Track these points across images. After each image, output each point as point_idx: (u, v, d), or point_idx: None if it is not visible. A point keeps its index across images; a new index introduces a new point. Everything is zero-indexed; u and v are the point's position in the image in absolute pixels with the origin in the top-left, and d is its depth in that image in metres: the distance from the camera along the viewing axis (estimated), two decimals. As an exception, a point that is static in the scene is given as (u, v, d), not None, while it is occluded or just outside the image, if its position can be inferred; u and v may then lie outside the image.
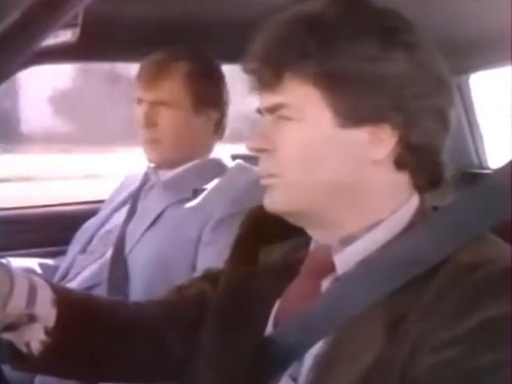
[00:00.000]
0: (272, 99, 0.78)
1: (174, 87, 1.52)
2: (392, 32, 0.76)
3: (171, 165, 1.57)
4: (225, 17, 1.53)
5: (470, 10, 1.39)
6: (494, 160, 2.08)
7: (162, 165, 1.58)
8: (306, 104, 0.76)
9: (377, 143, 0.75)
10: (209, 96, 1.56)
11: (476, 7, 1.36)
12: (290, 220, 0.81)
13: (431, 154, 0.79)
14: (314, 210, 0.78)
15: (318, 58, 0.74)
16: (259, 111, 0.82)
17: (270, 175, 0.79)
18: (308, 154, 0.76)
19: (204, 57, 1.58)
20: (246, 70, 0.80)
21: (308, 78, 0.75)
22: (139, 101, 1.55)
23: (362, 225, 0.77)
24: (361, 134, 0.75)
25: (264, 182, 0.81)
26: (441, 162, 0.80)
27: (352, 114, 0.75)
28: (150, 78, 1.52)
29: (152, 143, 1.54)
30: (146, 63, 1.55)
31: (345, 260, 0.77)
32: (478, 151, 2.09)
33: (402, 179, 0.79)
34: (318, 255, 0.81)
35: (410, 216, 0.78)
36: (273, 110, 0.78)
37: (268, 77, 0.77)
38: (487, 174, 0.72)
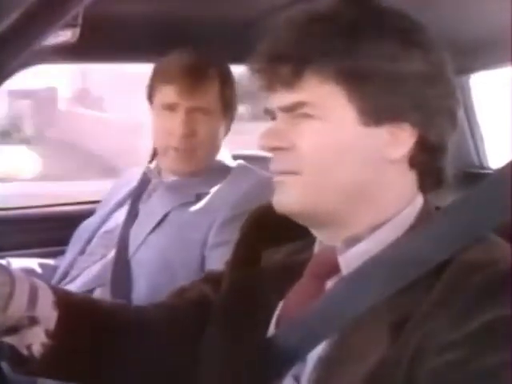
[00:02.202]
0: (290, 98, 0.77)
1: (213, 93, 1.49)
2: (408, 32, 0.76)
3: None
4: (226, 17, 1.53)
5: (470, 11, 1.39)
6: (494, 160, 2.08)
7: (188, 174, 1.52)
8: (328, 102, 0.75)
9: (396, 142, 0.76)
10: (233, 100, 1.55)
11: (476, 7, 1.36)
12: (298, 220, 0.80)
13: (440, 154, 0.79)
14: (326, 210, 0.77)
15: (341, 56, 0.74)
16: (268, 111, 0.81)
17: (286, 172, 0.78)
18: (329, 152, 0.75)
19: (224, 60, 1.56)
20: (257, 69, 0.78)
21: (330, 76, 0.74)
22: (173, 106, 1.48)
23: (367, 225, 0.77)
24: (381, 133, 0.75)
25: (278, 178, 0.79)
26: (446, 162, 0.80)
27: (374, 113, 0.75)
28: (189, 83, 1.45)
29: (187, 152, 1.49)
30: (179, 66, 1.47)
31: (350, 261, 0.77)
32: (478, 151, 2.08)
33: (411, 179, 0.79)
34: (323, 256, 0.81)
35: (414, 216, 0.78)
36: (291, 108, 0.77)
37: (286, 75, 0.75)
38: (487, 174, 0.72)
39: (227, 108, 1.53)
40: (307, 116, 0.76)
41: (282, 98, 0.78)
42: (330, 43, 0.74)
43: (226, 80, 1.53)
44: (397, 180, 0.78)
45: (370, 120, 0.75)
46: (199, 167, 1.52)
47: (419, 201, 0.80)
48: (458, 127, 0.80)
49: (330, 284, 0.79)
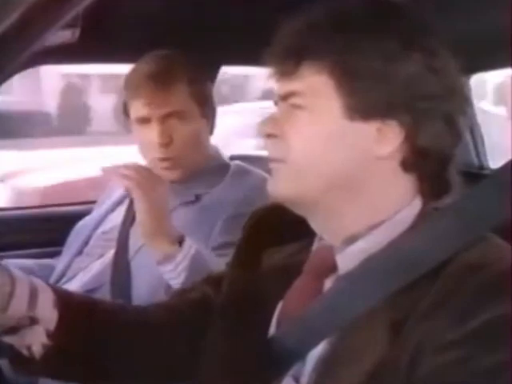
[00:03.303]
0: (287, 86, 0.79)
1: (182, 96, 1.46)
2: (413, 34, 0.77)
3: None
4: (226, 17, 1.53)
5: (470, 11, 1.39)
6: (494, 160, 2.08)
7: (178, 181, 1.50)
8: (317, 93, 0.77)
9: (382, 139, 0.76)
10: (207, 98, 1.54)
11: (476, 8, 1.36)
12: (294, 209, 0.81)
13: (439, 161, 0.79)
14: (316, 200, 0.78)
15: (337, 50, 0.76)
16: (275, 101, 0.83)
17: (275, 160, 0.80)
18: (314, 142, 0.77)
19: (191, 58, 1.53)
20: (268, 60, 0.81)
21: (324, 68, 0.76)
22: (145, 119, 1.45)
23: (364, 223, 0.77)
24: (368, 129, 0.76)
25: (270, 165, 0.82)
26: (449, 170, 0.80)
27: (361, 108, 0.75)
28: (156, 92, 1.43)
29: (172, 161, 1.47)
30: (143, 76, 1.44)
31: (347, 260, 0.77)
32: (478, 151, 2.09)
33: (408, 182, 0.79)
34: (321, 255, 0.81)
35: (412, 217, 0.78)
36: (286, 97, 0.80)
37: (288, 64, 0.78)
38: (487, 175, 0.72)
39: (202, 107, 1.51)
40: (297, 106, 0.78)
41: (282, 87, 0.80)
42: (328, 37, 0.76)
43: (195, 79, 1.50)
44: (388, 179, 0.78)
45: (355, 115, 0.76)
46: (188, 172, 1.50)
47: (418, 202, 0.79)
48: (460, 136, 0.79)
49: (328, 282, 0.79)
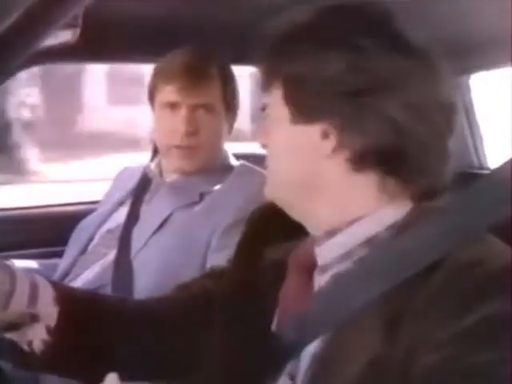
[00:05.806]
0: (264, 99, 0.86)
1: (214, 90, 1.50)
2: (341, 34, 0.79)
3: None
4: (225, 18, 1.53)
5: (470, 11, 1.40)
6: (494, 160, 2.08)
7: (190, 173, 1.53)
8: (274, 103, 0.83)
9: (325, 139, 0.79)
10: (235, 99, 1.56)
11: (476, 7, 1.36)
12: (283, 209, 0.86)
13: (397, 159, 0.77)
14: (290, 202, 0.84)
15: (285, 61, 0.81)
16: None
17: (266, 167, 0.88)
18: (276, 149, 0.85)
19: (225, 59, 1.57)
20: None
21: (279, 79, 0.82)
22: (174, 105, 1.49)
23: (340, 219, 0.79)
24: (312, 131, 0.79)
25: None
26: (430, 169, 0.79)
27: (302, 112, 0.80)
28: (190, 81, 1.47)
29: (190, 150, 1.50)
30: (179, 65, 1.48)
31: (325, 251, 0.80)
32: (478, 151, 2.08)
33: (371, 180, 0.79)
34: (304, 249, 0.84)
35: (398, 215, 0.78)
36: (262, 108, 0.87)
37: (262, 79, 0.85)
38: (487, 174, 0.72)
39: (229, 107, 1.54)
40: (268, 116, 0.85)
41: (262, 100, 0.87)
42: (282, 49, 0.82)
43: (228, 79, 1.54)
44: (344, 177, 0.79)
45: (299, 120, 0.80)
46: (202, 165, 1.52)
47: (404, 201, 0.79)
48: (404, 133, 0.77)
49: (317, 276, 0.81)
